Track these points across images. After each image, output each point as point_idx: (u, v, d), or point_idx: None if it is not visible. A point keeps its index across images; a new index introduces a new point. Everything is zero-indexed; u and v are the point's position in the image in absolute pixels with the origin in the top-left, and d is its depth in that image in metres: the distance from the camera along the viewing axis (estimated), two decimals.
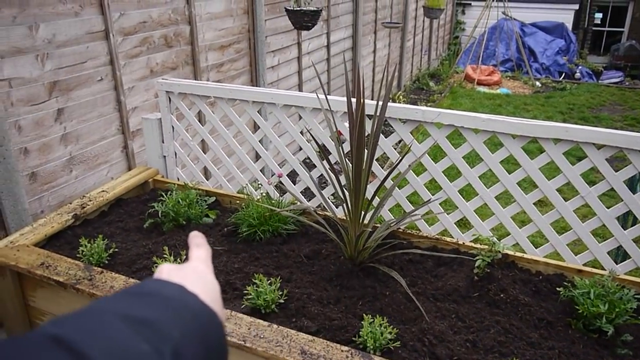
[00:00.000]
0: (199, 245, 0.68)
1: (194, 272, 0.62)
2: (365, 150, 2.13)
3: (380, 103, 2.16)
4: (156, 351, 0.44)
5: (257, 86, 4.85)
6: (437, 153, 2.51)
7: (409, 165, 2.42)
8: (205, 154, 3.04)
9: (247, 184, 2.88)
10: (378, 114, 2.15)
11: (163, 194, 2.71)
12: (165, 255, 2.18)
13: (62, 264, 2.16)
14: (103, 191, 2.78)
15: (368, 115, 2.25)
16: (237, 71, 4.69)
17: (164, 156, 3.09)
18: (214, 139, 2.96)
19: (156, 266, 2.15)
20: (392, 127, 2.51)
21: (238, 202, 2.71)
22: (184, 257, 2.20)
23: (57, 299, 2.16)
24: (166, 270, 0.61)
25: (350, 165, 2.15)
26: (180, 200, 2.61)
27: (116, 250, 2.35)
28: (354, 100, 2.12)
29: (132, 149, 3.59)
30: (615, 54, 14.72)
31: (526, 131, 2.25)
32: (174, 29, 3.82)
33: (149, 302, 0.50)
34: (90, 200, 2.69)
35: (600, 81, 11.69)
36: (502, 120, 2.29)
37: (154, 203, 2.66)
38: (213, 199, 2.82)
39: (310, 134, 2.42)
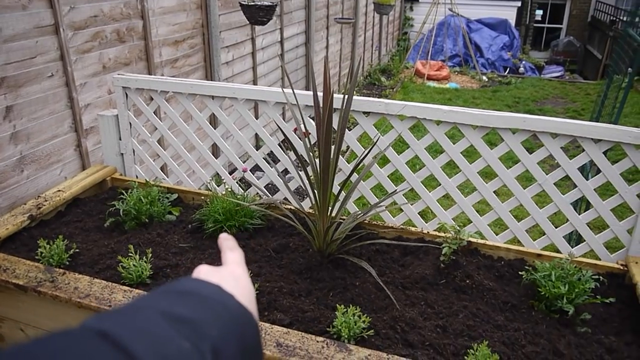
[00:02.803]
0: (232, 249, 0.70)
1: (231, 275, 0.63)
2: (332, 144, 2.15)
3: (346, 96, 2.18)
4: (196, 349, 0.45)
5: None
6: (399, 145, 2.56)
7: (373, 158, 2.45)
8: (165, 150, 2.97)
9: (210, 180, 2.84)
10: (344, 106, 2.17)
11: (123, 192, 2.64)
12: (130, 254, 2.13)
13: (21, 266, 2.07)
14: (59, 191, 2.68)
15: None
16: (191, 67, 4.61)
17: (122, 154, 3.00)
18: (173, 134, 2.90)
19: (121, 265, 2.09)
20: (356, 120, 2.53)
21: (202, 198, 2.67)
22: (150, 255, 2.16)
23: (17, 303, 2.07)
24: (204, 272, 0.62)
25: (317, 158, 2.16)
26: (142, 198, 2.55)
27: (77, 250, 2.27)
28: (320, 93, 2.12)
29: (86, 147, 3.47)
30: (555, 49, 15.37)
31: (486, 122, 2.32)
32: (126, 23, 3.72)
33: (188, 301, 0.51)
34: (46, 200, 2.58)
35: (542, 75, 12.18)
36: (463, 112, 2.35)
37: (114, 202, 2.59)
38: (175, 196, 2.77)
39: (279, 127, 2.41)
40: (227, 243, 0.70)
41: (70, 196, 2.69)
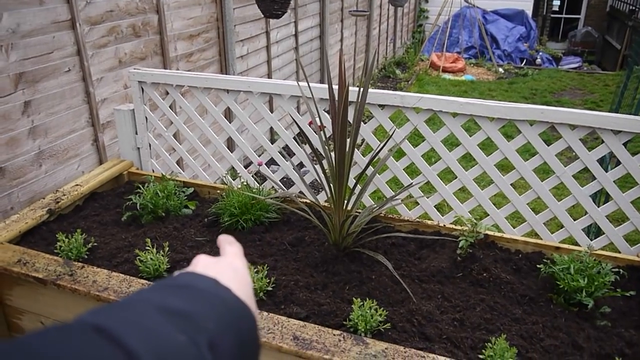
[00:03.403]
0: (230, 243, 0.70)
1: (229, 266, 0.63)
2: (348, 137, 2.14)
3: (362, 89, 2.17)
4: (192, 342, 0.44)
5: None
6: (415, 138, 2.54)
7: (389, 151, 2.44)
8: (180, 144, 2.99)
9: (226, 174, 2.85)
10: (359, 99, 2.16)
11: (140, 186, 2.66)
12: (147, 248, 2.15)
13: (40, 260, 2.10)
14: (77, 185, 2.71)
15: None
16: (206, 61, 4.62)
17: (138, 148, 3.02)
18: (189, 129, 2.91)
19: (139, 259, 2.11)
20: (371, 112, 2.52)
21: (218, 192, 2.68)
22: (167, 249, 2.17)
23: (36, 296, 2.10)
24: (202, 263, 0.62)
25: (333, 152, 2.16)
26: (158, 192, 2.57)
27: (95, 244, 2.30)
28: (335, 87, 2.12)
29: (103, 141, 3.50)
30: (572, 40, 15.12)
31: (503, 114, 2.30)
32: (142, 17, 3.73)
33: (184, 295, 0.51)
34: (64, 195, 2.61)
35: (560, 67, 12.01)
36: (480, 104, 2.33)
37: (131, 195, 2.61)
38: (191, 189, 2.78)
39: (294, 120, 2.41)
40: (226, 238, 0.71)
41: (88, 190, 2.72)
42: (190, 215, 2.62)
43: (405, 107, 2.43)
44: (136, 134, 2.99)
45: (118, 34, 3.53)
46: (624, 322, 1.92)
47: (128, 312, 0.46)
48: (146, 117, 2.95)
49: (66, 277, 2.00)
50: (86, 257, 2.22)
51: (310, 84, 2.42)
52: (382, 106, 2.49)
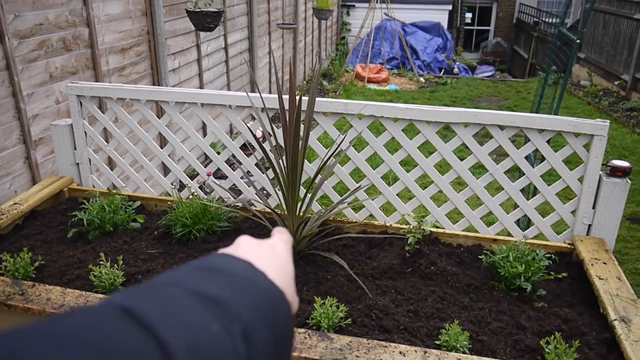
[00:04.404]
0: (280, 232, 0.69)
1: (271, 249, 0.61)
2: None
3: (311, 98, 2.26)
4: (226, 331, 0.42)
5: None
6: (359, 143, 2.66)
7: (335, 157, 2.54)
8: (122, 158, 2.94)
9: (174, 186, 2.84)
10: (309, 108, 2.25)
11: (84, 201, 2.60)
12: (101, 262, 2.12)
13: None
14: (16, 204, 2.61)
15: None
16: (139, 74, 4.55)
17: (77, 163, 2.95)
18: (131, 142, 2.88)
19: (92, 274, 2.08)
20: (315, 120, 2.61)
21: (168, 203, 2.67)
22: (121, 262, 2.15)
23: None
24: (244, 246, 0.61)
25: (283, 159, 2.23)
26: (105, 206, 2.52)
27: (42, 262, 2.23)
28: (285, 96, 2.19)
29: (35, 159, 3.37)
30: (484, 50, 16.09)
31: (440, 117, 2.47)
32: (72, 31, 3.64)
33: (218, 279, 0.49)
34: (2, 214, 2.51)
35: (475, 75, 12.73)
36: (418, 109, 2.49)
37: (76, 212, 2.55)
38: (138, 203, 2.75)
39: (250, 130, 2.45)
40: (278, 229, 0.70)
41: (28, 209, 2.62)
42: (139, 228, 2.59)
43: (348, 114, 2.55)
44: (75, 149, 2.91)
45: (48, 47, 3.43)
46: (558, 302, 2.11)
47: (159, 294, 0.44)
48: (85, 132, 2.88)
49: (17, 297, 1.94)
50: (34, 276, 2.15)
51: (258, 95, 2.48)
52: (326, 114, 2.59)
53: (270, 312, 0.49)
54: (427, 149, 2.54)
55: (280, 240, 0.66)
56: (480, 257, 2.31)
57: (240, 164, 2.77)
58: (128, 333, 0.37)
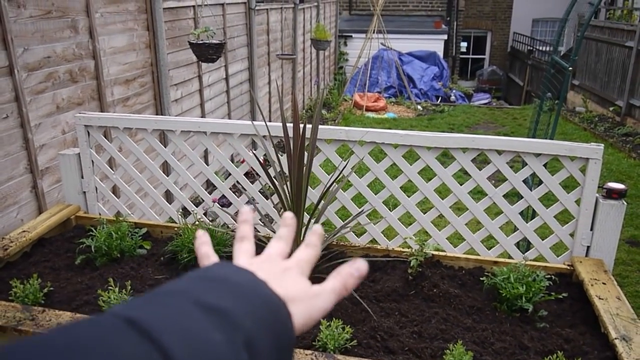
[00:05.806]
0: (307, 245, 0.65)
1: (276, 260, 0.62)
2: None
3: (314, 126, 2.33)
4: (229, 340, 0.43)
5: None
6: (360, 169, 2.72)
7: (337, 183, 2.60)
8: (128, 186, 3.00)
9: (180, 213, 2.89)
10: (313, 136, 2.32)
11: (92, 229, 2.64)
12: (110, 287, 2.15)
13: None
14: (24, 231, 2.65)
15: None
16: (142, 105, 4.64)
17: (84, 192, 3.00)
18: (137, 170, 2.95)
19: (102, 299, 2.11)
20: (318, 147, 2.68)
21: (175, 230, 2.71)
22: (129, 288, 2.19)
23: None
24: (246, 258, 0.63)
25: (287, 185, 2.29)
26: (112, 233, 2.57)
27: (51, 289, 2.26)
28: (289, 125, 2.27)
29: (42, 188, 3.42)
30: (480, 78, 16.34)
31: (439, 143, 2.54)
32: (78, 63, 3.74)
33: (220, 288, 0.49)
34: (12, 242, 2.55)
35: (472, 103, 12.91)
36: (418, 135, 2.56)
37: (83, 239, 2.59)
38: (144, 230, 2.80)
39: (256, 157, 2.52)
40: (312, 237, 0.67)
41: (36, 236, 2.67)
42: (146, 255, 2.63)
43: (350, 140, 2.62)
44: (82, 177, 2.97)
45: (55, 79, 3.52)
46: (559, 322, 2.15)
47: (163, 304, 0.44)
48: (92, 161, 2.95)
49: (27, 322, 1.97)
50: (43, 302, 2.19)
51: (262, 123, 2.56)
52: (328, 141, 2.66)
53: (272, 321, 0.49)
54: (427, 174, 2.60)
55: (296, 261, 0.64)
56: (481, 279, 2.36)
57: (245, 190, 2.82)
58: (132, 343, 0.38)
